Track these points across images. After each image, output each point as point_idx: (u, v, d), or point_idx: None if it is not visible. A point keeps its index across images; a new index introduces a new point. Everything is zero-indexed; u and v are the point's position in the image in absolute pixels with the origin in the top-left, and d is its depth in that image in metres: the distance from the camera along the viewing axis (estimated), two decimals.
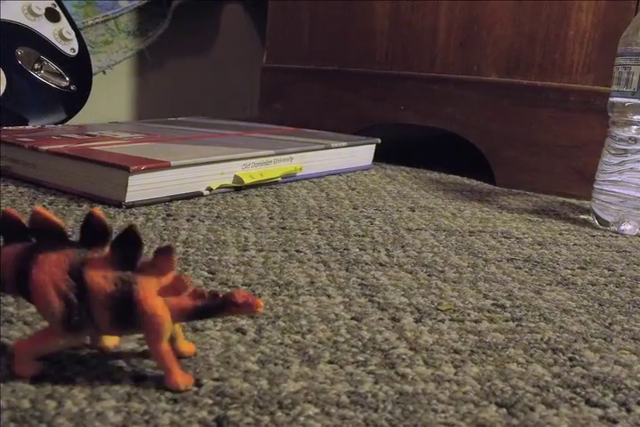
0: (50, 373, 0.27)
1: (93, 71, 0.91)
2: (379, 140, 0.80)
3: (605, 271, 0.46)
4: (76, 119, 0.84)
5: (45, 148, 0.60)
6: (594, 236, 0.55)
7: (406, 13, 0.80)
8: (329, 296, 0.38)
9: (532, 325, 0.36)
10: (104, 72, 1.09)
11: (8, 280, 0.27)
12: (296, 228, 0.52)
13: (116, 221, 0.50)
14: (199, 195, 0.60)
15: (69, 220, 0.50)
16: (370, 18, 0.83)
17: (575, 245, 0.52)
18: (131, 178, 0.54)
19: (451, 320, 0.36)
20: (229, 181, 0.62)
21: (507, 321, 0.36)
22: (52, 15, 0.82)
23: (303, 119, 0.90)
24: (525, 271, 0.45)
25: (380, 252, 0.47)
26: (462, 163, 0.86)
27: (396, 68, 0.82)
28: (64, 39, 0.83)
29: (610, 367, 0.31)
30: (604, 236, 0.56)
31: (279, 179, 0.67)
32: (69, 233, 0.32)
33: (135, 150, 0.61)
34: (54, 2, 0.82)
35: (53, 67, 0.82)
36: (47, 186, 0.59)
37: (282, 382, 0.28)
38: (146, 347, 0.30)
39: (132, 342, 0.30)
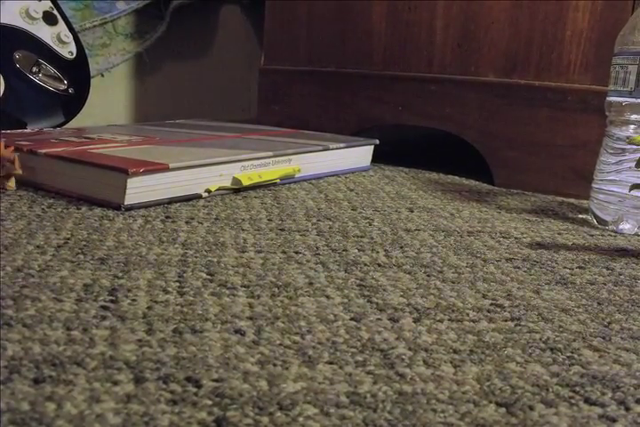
0: (49, 375, 0.27)
1: (91, 74, 0.91)
2: (377, 141, 0.80)
3: (604, 270, 0.46)
4: (75, 122, 0.85)
5: (44, 151, 0.60)
6: (592, 235, 0.55)
7: (403, 14, 0.80)
8: (328, 297, 0.38)
9: (531, 324, 0.36)
10: (102, 75, 1.09)
11: None
12: (295, 229, 0.52)
13: (115, 224, 0.50)
14: (198, 197, 0.60)
15: (68, 222, 0.50)
16: (367, 18, 0.83)
17: (574, 244, 0.52)
18: (129, 180, 0.54)
19: (449, 320, 0.36)
20: (228, 183, 0.62)
21: (505, 321, 0.36)
22: (49, 18, 0.82)
23: (301, 121, 0.90)
24: (524, 271, 0.45)
25: (378, 252, 0.47)
26: (460, 163, 0.86)
27: (394, 69, 0.82)
28: (62, 42, 0.83)
29: (608, 366, 0.31)
30: (602, 235, 0.56)
31: (278, 180, 0.67)
32: None
33: (134, 153, 0.61)
34: (52, 5, 0.82)
35: (51, 70, 0.82)
36: (46, 189, 0.59)
37: (281, 382, 0.28)
38: None
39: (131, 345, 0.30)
